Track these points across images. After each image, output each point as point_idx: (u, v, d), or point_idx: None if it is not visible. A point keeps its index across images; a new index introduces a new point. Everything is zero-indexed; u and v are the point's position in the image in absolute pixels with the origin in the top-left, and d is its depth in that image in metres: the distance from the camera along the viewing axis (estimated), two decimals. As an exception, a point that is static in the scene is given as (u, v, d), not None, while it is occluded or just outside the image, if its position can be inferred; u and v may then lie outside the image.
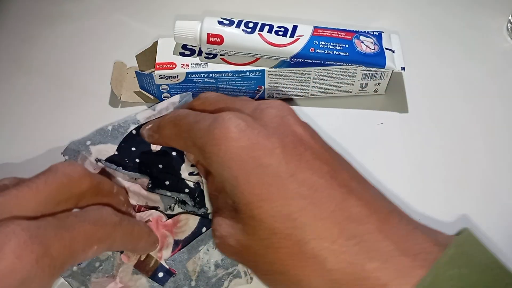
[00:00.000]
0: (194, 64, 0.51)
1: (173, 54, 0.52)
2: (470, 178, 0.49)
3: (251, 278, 0.43)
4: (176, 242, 0.44)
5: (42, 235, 0.27)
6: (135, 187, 0.46)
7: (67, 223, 0.30)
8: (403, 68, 0.50)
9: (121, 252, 0.43)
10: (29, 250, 0.27)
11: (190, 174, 0.48)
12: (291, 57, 0.49)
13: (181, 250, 0.43)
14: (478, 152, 0.51)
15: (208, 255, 0.43)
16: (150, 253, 0.43)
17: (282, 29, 0.50)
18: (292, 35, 0.49)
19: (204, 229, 0.44)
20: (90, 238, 0.30)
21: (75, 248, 0.29)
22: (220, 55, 0.52)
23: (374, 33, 0.52)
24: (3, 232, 0.26)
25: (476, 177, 0.49)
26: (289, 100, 0.55)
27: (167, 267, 0.42)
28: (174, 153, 0.48)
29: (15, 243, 0.26)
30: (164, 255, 0.43)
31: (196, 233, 0.44)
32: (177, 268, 0.42)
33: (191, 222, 0.44)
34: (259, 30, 0.49)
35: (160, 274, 0.42)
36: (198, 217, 0.45)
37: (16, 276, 0.26)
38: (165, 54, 0.52)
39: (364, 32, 0.51)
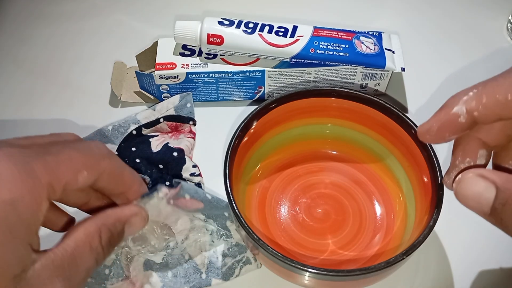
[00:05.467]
0: (194, 64, 0.51)
1: (173, 54, 0.52)
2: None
3: (261, 264, 0.43)
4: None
5: (25, 159, 0.27)
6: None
7: (52, 149, 0.30)
8: (403, 69, 0.50)
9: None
10: (12, 172, 0.26)
11: (192, 174, 0.48)
12: (291, 58, 0.49)
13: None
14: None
15: (213, 246, 0.43)
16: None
17: (282, 30, 0.50)
18: (292, 36, 0.49)
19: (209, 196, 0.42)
20: (76, 163, 0.30)
21: (61, 170, 0.29)
22: (220, 55, 0.52)
23: (374, 34, 0.52)
24: None
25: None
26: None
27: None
28: (175, 154, 0.48)
29: None
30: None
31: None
32: (176, 183, 0.40)
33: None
34: (259, 31, 0.49)
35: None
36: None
37: (2, 198, 0.26)
38: (165, 54, 0.52)
39: (364, 32, 0.51)
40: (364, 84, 0.53)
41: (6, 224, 0.26)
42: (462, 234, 0.45)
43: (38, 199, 0.27)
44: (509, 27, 0.61)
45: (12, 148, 0.28)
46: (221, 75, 0.51)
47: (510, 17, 0.61)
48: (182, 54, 0.52)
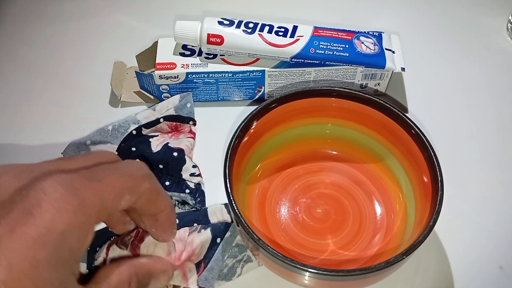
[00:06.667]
0: (194, 64, 0.51)
1: (173, 54, 0.52)
2: (468, 178, 0.49)
3: None
4: (198, 264, 0.43)
5: (76, 187, 0.28)
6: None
7: (99, 174, 0.30)
8: (403, 69, 0.50)
9: None
10: (66, 203, 0.27)
11: (192, 175, 0.48)
12: (291, 58, 0.49)
13: (208, 267, 0.42)
14: (478, 152, 0.51)
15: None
16: (176, 284, 0.42)
17: (282, 30, 0.50)
18: (292, 36, 0.49)
19: (219, 240, 0.44)
20: (120, 187, 0.31)
21: (107, 198, 0.30)
22: (220, 55, 0.52)
23: (374, 34, 0.52)
24: (40, 188, 0.27)
25: (475, 177, 0.49)
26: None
27: None
28: (175, 154, 0.48)
29: (53, 198, 0.27)
30: (190, 281, 0.42)
31: (213, 247, 0.43)
32: (211, 284, 0.42)
33: (205, 242, 0.43)
34: (259, 31, 0.49)
35: None
36: (210, 236, 0.44)
37: (56, 229, 0.27)
38: (165, 54, 0.52)
39: (364, 32, 0.51)
40: (364, 84, 0.53)
41: (57, 255, 0.27)
42: (462, 234, 0.45)
43: (87, 230, 0.29)
44: (509, 27, 0.61)
45: (63, 175, 0.29)
46: (221, 75, 0.51)
47: (510, 17, 0.61)
48: (182, 54, 0.52)
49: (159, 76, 0.51)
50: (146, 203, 0.34)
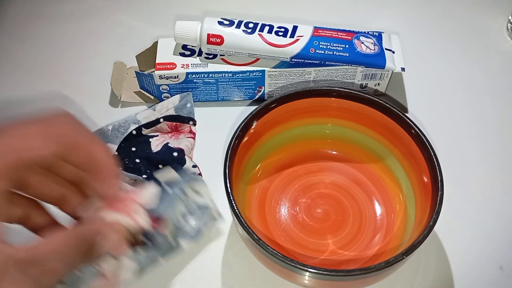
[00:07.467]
0: (194, 64, 0.51)
1: (173, 54, 0.52)
2: (468, 178, 0.49)
3: (220, 214, 0.39)
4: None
5: None
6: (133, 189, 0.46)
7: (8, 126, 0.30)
8: (403, 69, 0.50)
9: None
10: None
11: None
12: (291, 58, 0.49)
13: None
14: (478, 152, 0.51)
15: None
16: (130, 227, 0.36)
17: (282, 30, 0.50)
18: (292, 36, 0.49)
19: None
20: (34, 135, 0.31)
21: (18, 146, 0.29)
22: (220, 55, 0.52)
23: (374, 34, 0.52)
24: None
25: (475, 177, 0.49)
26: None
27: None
28: (175, 154, 0.48)
29: None
30: (141, 220, 0.36)
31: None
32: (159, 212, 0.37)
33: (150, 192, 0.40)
34: (259, 31, 0.49)
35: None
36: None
37: None
38: (165, 54, 0.52)
39: (364, 32, 0.51)
40: (364, 84, 0.53)
41: None
42: (462, 234, 0.45)
43: None
44: (509, 27, 0.61)
45: None
46: (221, 75, 0.51)
47: (510, 17, 0.61)
48: (182, 54, 0.52)
49: (159, 76, 0.51)
50: (78, 156, 0.32)
